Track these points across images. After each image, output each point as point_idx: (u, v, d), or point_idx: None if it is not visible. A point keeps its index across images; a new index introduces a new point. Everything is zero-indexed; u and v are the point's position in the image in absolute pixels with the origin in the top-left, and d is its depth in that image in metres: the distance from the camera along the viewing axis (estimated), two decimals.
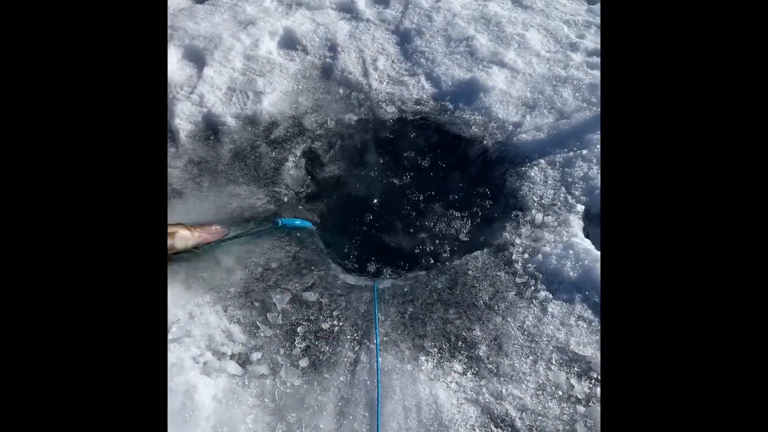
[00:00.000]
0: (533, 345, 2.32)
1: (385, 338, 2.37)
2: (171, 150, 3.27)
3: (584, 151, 3.02)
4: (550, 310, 2.42)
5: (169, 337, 2.31)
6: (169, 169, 3.14)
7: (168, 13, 4.19)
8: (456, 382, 2.22)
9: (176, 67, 3.74)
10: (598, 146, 3.01)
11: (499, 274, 2.60)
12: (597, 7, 4.24)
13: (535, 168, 3.04)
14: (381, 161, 3.53)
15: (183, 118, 3.42)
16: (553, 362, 2.26)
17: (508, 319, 2.41)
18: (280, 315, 2.46)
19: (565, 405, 2.15)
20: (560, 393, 2.18)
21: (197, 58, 3.81)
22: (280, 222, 2.76)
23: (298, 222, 2.84)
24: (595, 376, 2.21)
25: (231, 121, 3.43)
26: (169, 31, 3.95)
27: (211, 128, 3.42)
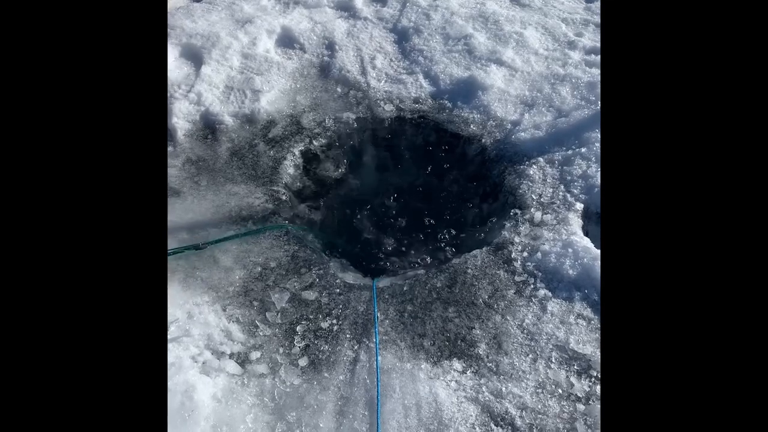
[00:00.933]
0: (533, 343, 2.31)
1: (384, 337, 2.36)
2: (169, 149, 3.26)
3: (583, 149, 3.02)
4: (549, 308, 2.41)
5: (168, 336, 2.30)
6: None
7: None
8: (456, 381, 2.21)
9: (174, 65, 3.73)
10: (597, 144, 3.01)
11: (498, 272, 2.59)
12: (595, 5, 4.24)
13: (534, 166, 3.04)
14: (379, 160, 3.53)
15: (181, 116, 3.41)
16: (553, 360, 2.26)
17: (508, 317, 2.41)
18: (279, 314, 2.45)
19: (564, 403, 2.14)
20: (560, 391, 2.18)
21: (195, 57, 3.80)
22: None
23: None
24: (595, 374, 2.21)
25: (229, 120, 3.42)
26: (167, 30, 3.94)
27: (208, 127, 3.40)
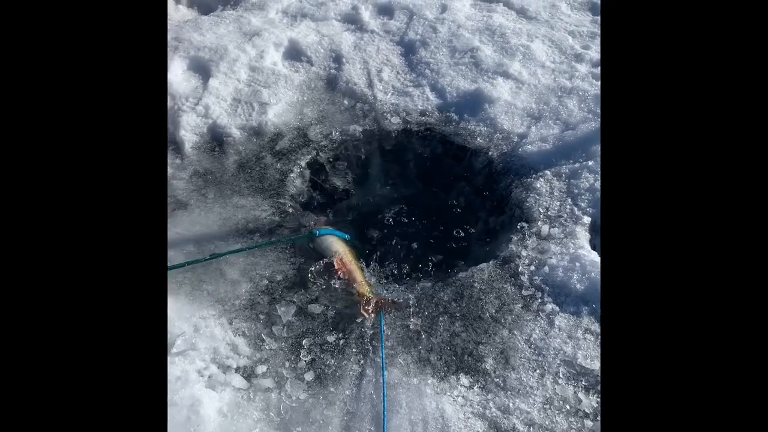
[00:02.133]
0: (540, 358, 2.30)
1: (390, 351, 2.35)
2: (176, 161, 3.27)
3: (590, 163, 3.01)
4: (557, 323, 2.40)
5: (174, 350, 2.30)
6: (174, 181, 3.14)
7: (173, 25, 4.21)
8: (463, 396, 2.20)
9: (181, 78, 3.75)
10: None
11: (505, 286, 2.58)
12: None
13: (541, 179, 3.04)
14: (386, 172, 3.53)
15: (188, 129, 3.43)
16: (561, 376, 2.24)
17: (515, 332, 2.39)
18: (285, 328, 2.45)
19: (572, 419, 2.13)
20: (568, 407, 2.16)
21: (202, 70, 3.82)
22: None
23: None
24: None
25: (236, 133, 3.43)
26: (174, 43, 3.96)
27: (216, 139, 3.42)
